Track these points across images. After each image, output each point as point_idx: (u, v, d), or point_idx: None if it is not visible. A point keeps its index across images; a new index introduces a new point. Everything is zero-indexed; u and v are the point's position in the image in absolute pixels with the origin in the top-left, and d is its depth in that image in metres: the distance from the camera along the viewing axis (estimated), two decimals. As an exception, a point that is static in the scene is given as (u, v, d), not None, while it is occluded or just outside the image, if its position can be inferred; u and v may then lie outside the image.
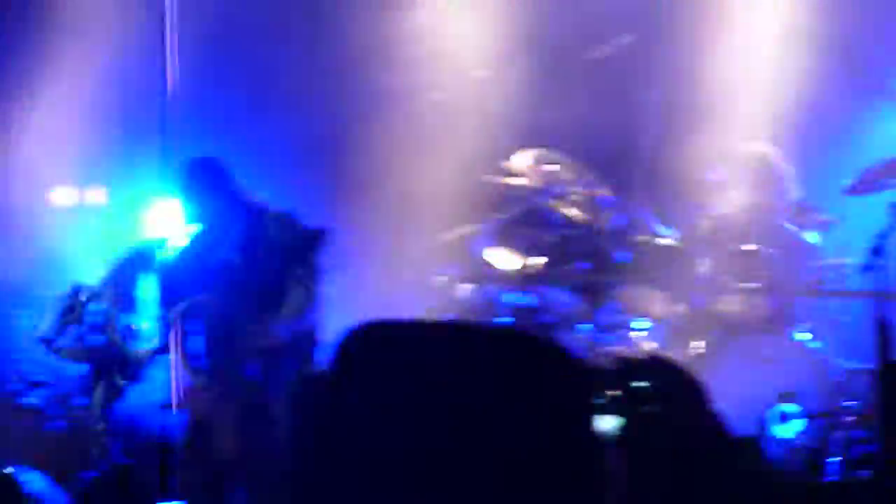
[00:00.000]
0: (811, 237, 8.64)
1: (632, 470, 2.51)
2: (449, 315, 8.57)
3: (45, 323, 7.57)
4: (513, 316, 8.49)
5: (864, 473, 6.32)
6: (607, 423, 2.42)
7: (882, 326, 6.57)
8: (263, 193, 7.93)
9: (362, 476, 2.06)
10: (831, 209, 8.67)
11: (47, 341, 7.54)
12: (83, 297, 7.60)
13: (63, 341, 7.64)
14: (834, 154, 9.01)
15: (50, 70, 9.60)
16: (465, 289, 8.76)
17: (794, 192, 8.46)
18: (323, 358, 7.63)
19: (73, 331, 7.64)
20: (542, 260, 8.71)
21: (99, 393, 7.57)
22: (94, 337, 7.58)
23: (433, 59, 9.29)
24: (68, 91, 9.52)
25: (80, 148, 9.43)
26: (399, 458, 2.07)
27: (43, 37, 9.63)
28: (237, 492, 7.03)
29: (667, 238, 8.68)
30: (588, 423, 2.28)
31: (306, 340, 7.43)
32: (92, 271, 7.86)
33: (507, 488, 2.21)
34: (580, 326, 8.37)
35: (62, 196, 9.41)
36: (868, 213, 7.77)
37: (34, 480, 6.93)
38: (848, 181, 8.33)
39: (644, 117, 9.00)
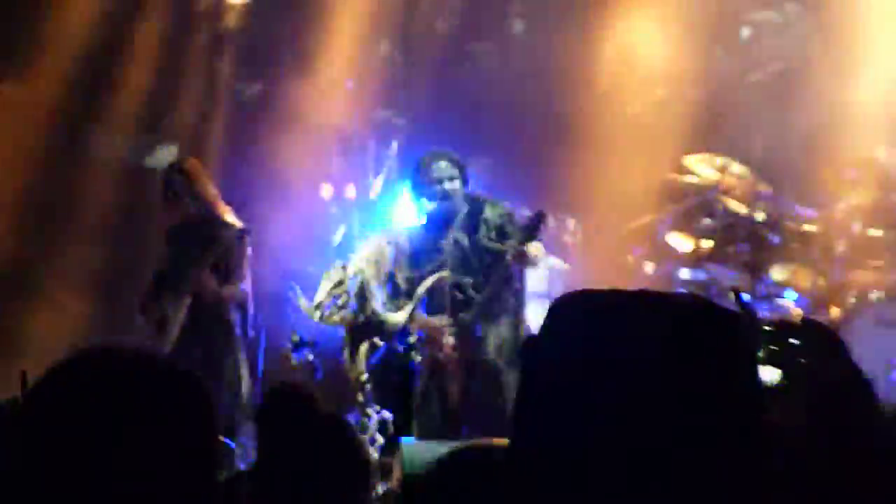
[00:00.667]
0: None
1: (785, 416, 2.60)
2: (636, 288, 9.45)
3: (318, 294, 8.08)
4: (686, 289, 9.54)
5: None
6: (769, 375, 2.49)
7: None
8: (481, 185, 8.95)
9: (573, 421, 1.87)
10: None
11: (318, 308, 8.19)
12: (348, 273, 8.04)
13: (331, 309, 8.25)
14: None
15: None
16: (650, 266, 10.00)
17: None
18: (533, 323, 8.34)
19: (339, 301, 8.22)
20: (711, 243, 9.88)
21: (361, 350, 8.15)
22: (355, 305, 8.10)
23: (628, 79, 10.19)
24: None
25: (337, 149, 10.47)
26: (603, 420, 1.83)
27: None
28: (463, 430, 7.83)
29: (811, 225, 9.66)
30: (755, 377, 2.01)
31: (519, 306, 8.25)
32: (354, 253, 8.40)
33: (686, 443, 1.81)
34: (744, 297, 9.29)
35: (327, 191, 10.19)
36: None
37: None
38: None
39: (791, 131, 10.04)
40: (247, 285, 8.02)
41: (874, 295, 9.11)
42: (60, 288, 9.79)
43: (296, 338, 8.82)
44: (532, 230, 7.84)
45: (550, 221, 8.95)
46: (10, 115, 9.80)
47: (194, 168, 7.99)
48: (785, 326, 2.52)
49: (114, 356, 2.05)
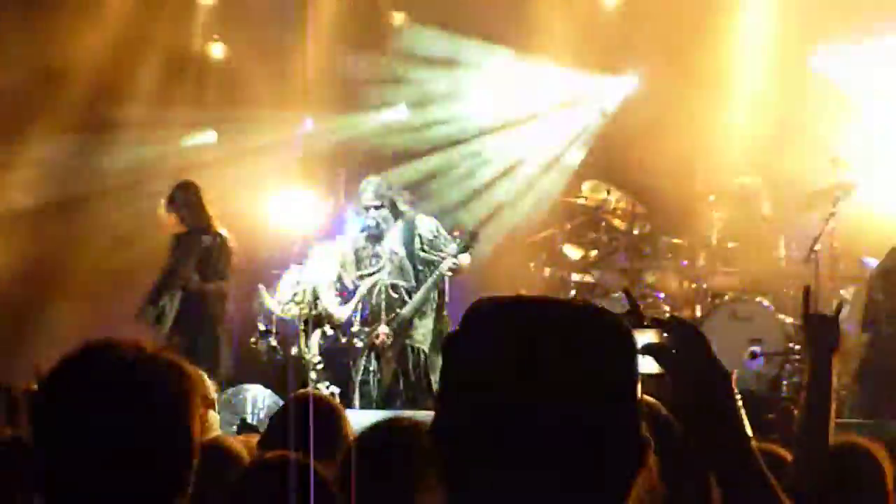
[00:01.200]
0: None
1: (660, 397, 2.58)
2: (537, 290, 10.64)
3: (279, 292, 9.41)
4: (577, 289, 10.98)
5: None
6: (648, 363, 2.32)
7: (806, 292, 7.96)
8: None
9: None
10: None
11: (279, 303, 9.40)
12: (304, 275, 9.36)
13: (289, 305, 9.42)
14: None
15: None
16: (548, 271, 11.24)
17: (764, 209, 10.59)
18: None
19: (296, 298, 9.37)
20: (596, 252, 11.25)
21: (314, 338, 9.30)
22: (310, 301, 9.31)
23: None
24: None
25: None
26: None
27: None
28: (397, 404, 9.01)
29: (678, 239, 10.91)
30: (633, 367, 2.07)
31: (442, 303, 9.43)
32: (308, 258, 9.51)
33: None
34: (621, 297, 9.87)
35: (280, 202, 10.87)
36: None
37: (266, 396, 9.02)
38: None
39: (664, 158, 10.79)
40: (228, 283, 9.19)
41: (728, 295, 10.25)
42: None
43: (262, 327, 9.79)
44: (467, 246, 9.21)
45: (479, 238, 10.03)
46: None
47: (192, 187, 9.18)
48: (657, 322, 2.41)
49: (113, 349, 2.24)
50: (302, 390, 5.77)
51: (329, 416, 4.18)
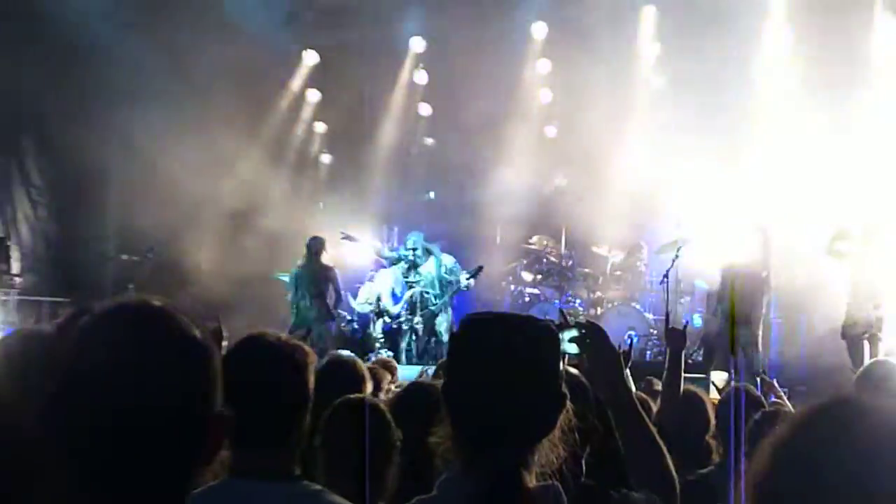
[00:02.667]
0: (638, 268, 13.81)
1: (586, 367, 2.88)
2: (507, 299, 14.51)
3: (358, 297, 13.29)
4: (530, 299, 14.39)
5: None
6: (572, 348, 2.73)
7: (667, 316, 9.68)
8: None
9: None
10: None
11: (358, 303, 13.13)
12: (373, 285, 13.05)
13: (363, 304, 13.34)
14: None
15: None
16: (513, 287, 14.79)
17: (640, 253, 13.98)
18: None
19: (368, 298, 13.02)
20: (540, 276, 14.80)
21: (378, 324, 12.98)
22: (375, 302, 13.15)
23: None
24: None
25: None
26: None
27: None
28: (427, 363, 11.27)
29: (588, 269, 14.50)
30: (557, 358, 2.46)
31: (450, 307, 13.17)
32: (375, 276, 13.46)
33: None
34: (556, 303, 13.92)
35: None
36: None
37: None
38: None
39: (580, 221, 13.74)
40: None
41: (616, 302, 13.73)
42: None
43: (348, 317, 13.95)
44: (475, 275, 13.14)
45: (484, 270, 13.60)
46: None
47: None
48: (578, 324, 2.78)
49: (266, 335, 2.68)
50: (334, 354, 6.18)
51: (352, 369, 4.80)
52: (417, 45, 16.26)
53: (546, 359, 2.45)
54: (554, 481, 2.39)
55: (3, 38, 13.11)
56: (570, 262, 14.84)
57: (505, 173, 14.76)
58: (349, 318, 13.86)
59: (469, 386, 2.43)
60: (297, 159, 16.34)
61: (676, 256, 11.16)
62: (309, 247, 12.96)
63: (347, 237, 13.16)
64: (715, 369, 10.32)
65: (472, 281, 13.16)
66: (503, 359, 2.40)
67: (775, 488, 1.70)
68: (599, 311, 13.81)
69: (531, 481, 2.38)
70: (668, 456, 2.93)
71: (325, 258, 13.05)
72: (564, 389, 2.44)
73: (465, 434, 2.42)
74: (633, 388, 3.52)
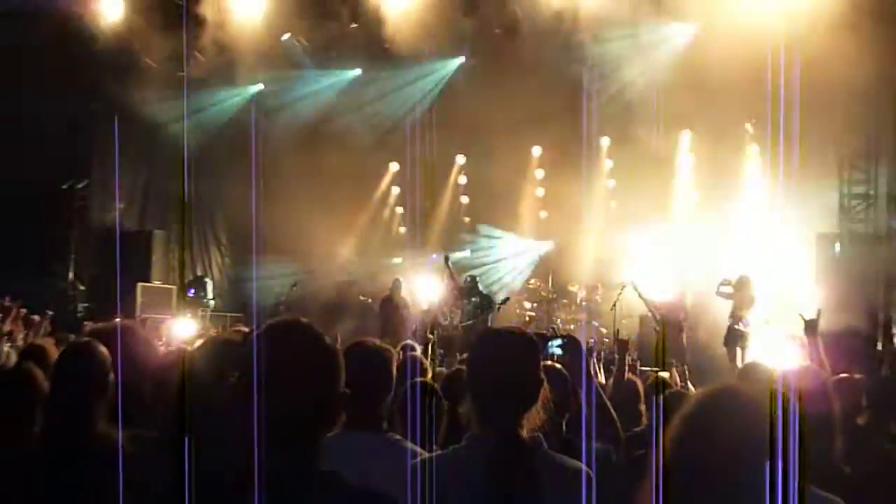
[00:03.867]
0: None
1: (566, 364, 3.71)
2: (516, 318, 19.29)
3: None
4: (528, 318, 19.22)
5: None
6: (559, 350, 3.45)
7: (624, 343, 8.70)
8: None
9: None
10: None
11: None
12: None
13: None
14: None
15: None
16: (517, 310, 19.47)
17: (599, 291, 19.12)
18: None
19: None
20: (536, 304, 19.88)
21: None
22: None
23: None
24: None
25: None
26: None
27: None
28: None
29: (565, 300, 19.43)
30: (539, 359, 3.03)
31: None
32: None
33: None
34: (550, 324, 17.67)
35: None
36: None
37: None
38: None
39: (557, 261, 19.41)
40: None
41: (582, 322, 18.25)
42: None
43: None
44: (504, 303, 18.32)
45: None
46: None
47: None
48: (562, 336, 3.61)
49: (302, 321, 2.66)
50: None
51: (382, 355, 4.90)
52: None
53: (530, 358, 3.25)
54: (538, 433, 3.12)
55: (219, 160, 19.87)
56: (555, 296, 20.15)
57: (512, 238, 21.25)
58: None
59: (482, 377, 3.25)
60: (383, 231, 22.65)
61: (620, 292, 16.05)
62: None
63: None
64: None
65: (503, 306, 18.58)
66: (503, 358, 3.23)
67: (683, 445, 2.47)
68: (573, 327, 18.82)
69: (524, 434, 3.12)
70: (616, 419, 3.99)
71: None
72: (542, 376, 3.17)
73: (481, 406, 3.21)
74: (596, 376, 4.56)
